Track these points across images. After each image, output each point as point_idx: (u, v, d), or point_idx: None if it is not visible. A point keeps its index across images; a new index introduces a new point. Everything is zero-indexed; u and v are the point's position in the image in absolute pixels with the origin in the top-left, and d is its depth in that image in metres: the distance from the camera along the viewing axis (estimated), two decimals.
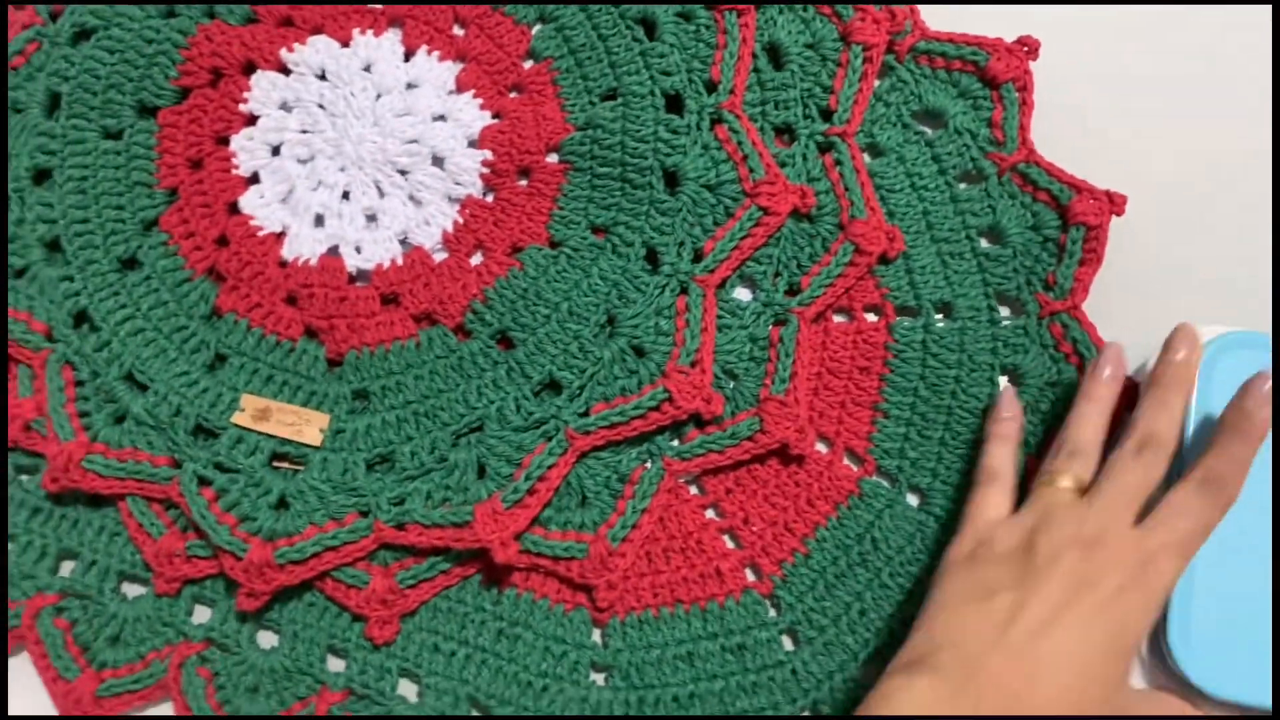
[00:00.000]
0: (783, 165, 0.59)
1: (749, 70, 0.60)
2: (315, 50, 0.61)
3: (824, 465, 0.57)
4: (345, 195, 0.60)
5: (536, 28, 0.62)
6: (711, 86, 0.60)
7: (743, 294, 0.59)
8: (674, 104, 0.60)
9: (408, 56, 0.62)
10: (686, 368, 0.55)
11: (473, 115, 0.60)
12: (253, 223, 0.59)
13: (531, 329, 0.57)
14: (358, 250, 0.59)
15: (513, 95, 0.61)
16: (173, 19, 0.61)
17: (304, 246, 0.58)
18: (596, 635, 0.56)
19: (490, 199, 0.60)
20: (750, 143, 0.58)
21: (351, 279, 0.59)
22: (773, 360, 0.57)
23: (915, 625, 0.48)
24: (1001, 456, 0.53)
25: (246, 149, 0.60)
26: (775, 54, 0.61)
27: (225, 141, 0.61)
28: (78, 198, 0.59)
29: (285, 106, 0.61)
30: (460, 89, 0.61)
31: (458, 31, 0.62)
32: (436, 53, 0.62)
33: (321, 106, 0.60)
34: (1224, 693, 0.51)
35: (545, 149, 0.59)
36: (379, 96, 0.60)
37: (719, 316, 0.58)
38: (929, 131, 0.61)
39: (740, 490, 0.57)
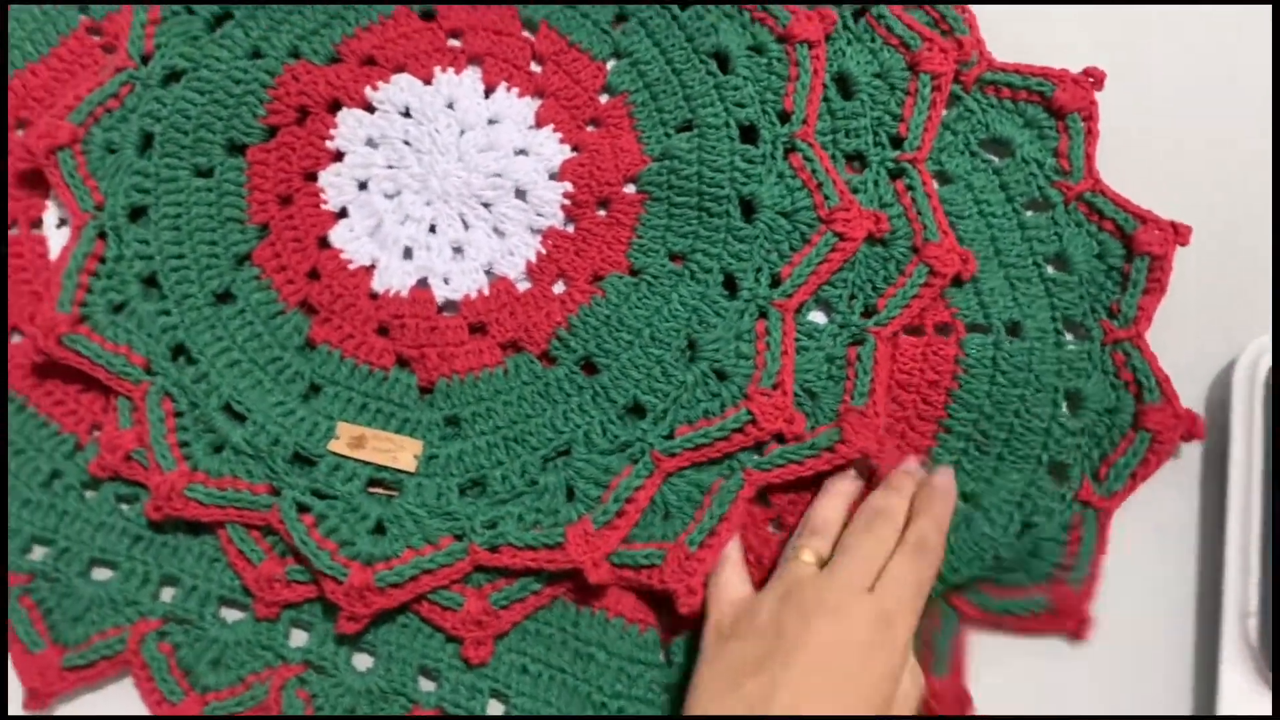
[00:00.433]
0: (855, 191, 0.61)
1: (820, 100, 0.62)
2: (399, 88, 0.63)
3: (880, 475, 0.58)
4: (432, 228, 0.61)
5: (611, 63, 0.64)
6: (785, 117, 0.62)
7: (818, 317, 0.61)
8: (748, 134, 0.62)
9: (488, 93, 0.64)
10: (769, 390, 0.57)
11: (553, 149, 0.62)
12: (343, 256, 0.61)
13: (615, 354, 0.59)
14: (446, 281, 0.60)
15: (590, 129, 0.63)
16: (259, 59, 0.63)
17: (394, 279, 0.60)
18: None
19: (571, 229, 0.61)
20: (824, 170, 0.60)
21: (440, 309, 0.60)
22: (851, 377, 0.58)
23: (685, 707, 0.51)
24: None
25: (334, 185, 0.62)
26: (845, 84, 0.63)
27: (313, 177, 0.63)
28: (172, 234, 0.61)
29: (371, 143, 0.63)
30: (540, 124, 0.63)
31: (535, 68, 0.64)
32: (516, 89, 0.63)
33: (407, 143, 0.62)
34: None
35: (623, 180, 0.61)
36: (462, 132, 0.62)
37: (796, 339, 0.59)
38: (996, 160, 0.63)
39: (803, 503, 0.58)
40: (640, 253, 0.61)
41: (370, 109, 0.63)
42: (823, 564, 0.53)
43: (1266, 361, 0.56)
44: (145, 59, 0.64)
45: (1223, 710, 0.53)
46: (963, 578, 0.56)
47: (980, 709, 0.55)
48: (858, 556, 0.52)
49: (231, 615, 0.59)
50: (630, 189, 0.61)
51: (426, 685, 0.58)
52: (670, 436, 0.57)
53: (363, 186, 0.63)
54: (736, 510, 0.56)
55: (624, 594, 0.58)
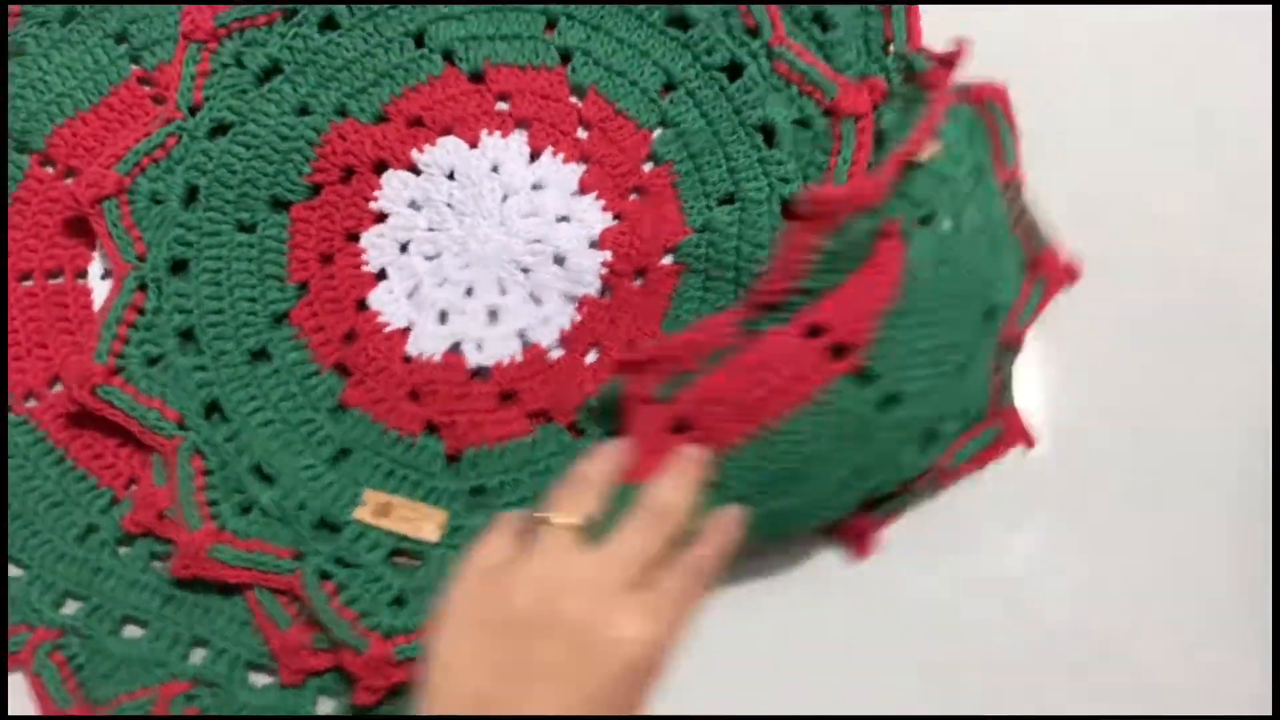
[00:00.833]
0: None
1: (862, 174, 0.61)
2: (445, 151, 0.63)
3: None
4: (469, 292, 0.61)
5: (658, 132, 0.64)
6: None
7: None
8: (791, 210, 0.61)
9: (533, 157, 0.63)
10: None
11: (595, 216, 0.61)
12: (380, 319, 0.61)
13: None
14: (479, 347, 0.60)
15: (633, 197, 0.62)
16: (306, 116, 0.64)
17: (427, 343, 0.60)
18: None
19: (607, 298, 0.61)
20: None
21: (472, 375, 0.60)
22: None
23: (432, 626, 0.45)
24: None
25: (376, 245, 0.62)
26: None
27: (355, 238, 0.62)
28: (212, 289, 0.61)
29: (414, 205, 0.63)
30: (583, 190, 0.62)
31: (582, 135, 0.64)
32: (561, 155, 0.63)
33: (450, 206, 0.62)
34: None
35: (662, 250, 0.60)
36: (506, 197, 0.62)
37: None
38: None
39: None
40: (674, 324, 0.60)
41: (416, 171, 0.63)
42: (586, 523, 0.47)
43: None
44: (194, 110, 0.64)
45: None
46: None
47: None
48: (631, 555, 0.45)
49: (261, 680, 0.58)
50: (668, 259, 0.60)
51: None
52: None
53: (404, 249, 0.62)
54: None
55: None
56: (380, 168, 0.63)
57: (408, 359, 0.60)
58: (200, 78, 0.65)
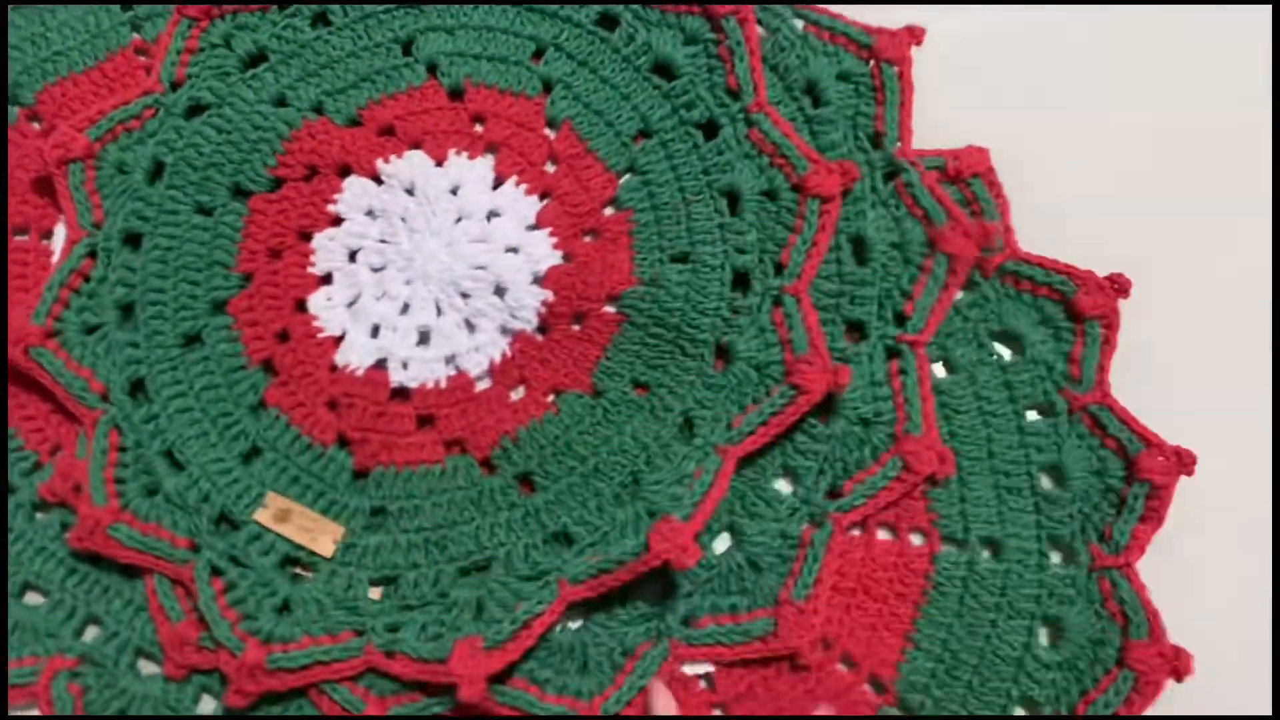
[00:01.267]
0: (847, 362, 0.58)
1: (821, 258, 0.60)
2: (409, 165, 0.62)
3: (844, 687, 0.55)
4: (405, 309, 0.61)
5: (625, 178, 0.63)
6: (781, 269, 0.59)
7: (784, 486, 0.58)
8: (741, 280, 0.60)
9: (497, 184, 0.63)
10: (678, 521, 0.54)
11: (544, 252, 0.61)
12: (315, 323, 0.61)
13: (556, 478, 0.58)
14: (404, 366, 0.60)
15: (587, 239, 0.62)
16: (282, 108, 0.63)
17: (355, 355, 0.60)
18: None
19: (542, 337, 0.60)
20: (801, 325, 0.57)
21: (394, 394, 0.59)
22: (800, 561, 0.55)
23: None
24: None
25: (326, 248, 0.62)
26: (860, 248, 0.60)
27: (308, 237, 0.62)
28: (159, 266, 0.62)
29: (370, 213, 0.62)
30: (539, 224, 0.62)
31: (549, 168, 0.63)
32: (525, 185, 0.62)
33: (404, 220, 0.62)
34: None
35: (605, 297, 0.60)
36: (459, 220, 0.61)
37: (753, 501, 0.57)
38: (1005, 355, 0.59)
39: (752, 699, 0.55)
40: (605, 375, 0.59)
41: (378, 180, 0.63)
42: None
43: None
44: (175, 86, 0.64)
45: None
46: None
47: None
48: None
49: (149, 668, 0.58)
50: (610, 309, 0.60)
51: None
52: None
53: (352, 256, 0.62)
54: (653, 680, 0.54)
55: None
56: (345, 171, 0.63)
57: (334, 368, 0.60)
58: (187, 54, 0.65)
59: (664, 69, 0.64)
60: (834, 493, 0.57)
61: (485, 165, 0.63)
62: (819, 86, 0.63)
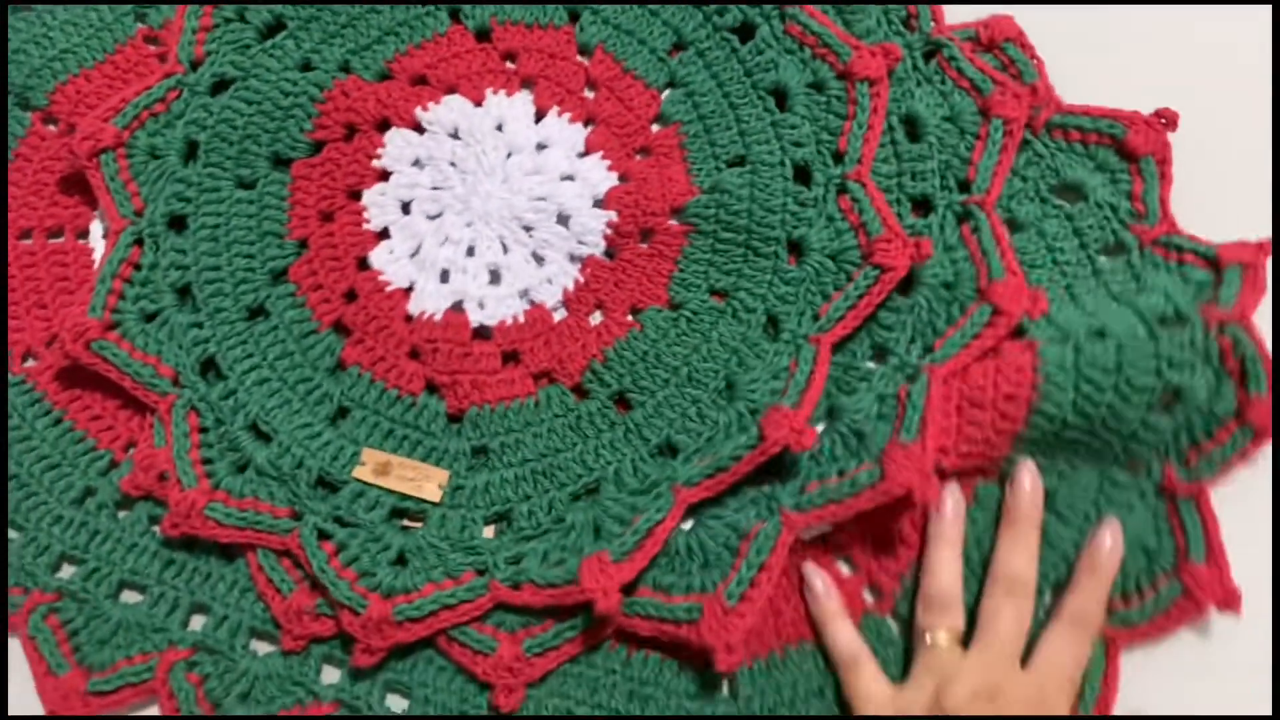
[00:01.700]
0: (919, 235, 0.58)
1: (878, 140, 0.60)
2: (449, 109, 0.62)
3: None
4: (470, 251, 0.60)
5: (666, 93, 0.62)
6: (839, 157, 0.59)
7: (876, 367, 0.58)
8: (802, 174, 0.60)
9: (539, 117, 0.62)
10: (787, 409, 0.54)
11: (600, 176, 0.60)
12: (381, 278, 0.60)
13: (650, 392, 0.57)
14: (481, 306, 0.59)
15: (640, 158, 0.61)
16: (309, 72, 0.62)
17: (429, 302, 0.59)
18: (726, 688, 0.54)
19: (612, 259, 0.60)
20: (871, 208, 0.57)
21: (474, 335, 0.59)
22: (900, 414, 0.54)
23: None
24: (846, 634, 0.54)
25: (378, 204, 0.61)
26: (913, 126, 0.60)
27: (357, 196, 0.61)
28: (210, 245, 0.60)
29: (418, 163, 0.62)
30: (589, 150, 0.61)
31: (588, 94, 0.63)
32: (567, 114, 0.62)
33: (453, 164, 0.61)
34: None
35: (669, 211, 0.59)
36: (509, 155, 0.61)
37: (846, 382, 0.57)
38: (1068, 205, 0.60)
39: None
40: (681, 287, 0.59)
41: (419, 129, 0.62)
42: (960, 638, 0.51)
43: None
44: (195, 65, 0.63)
45: None
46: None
47: None
48: (1003, 634, 0.51)
49: (264, 648, 0.57)
50: (674, 222, 0.59)
51: None
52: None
53: (406, 208, 0.61)
54: (777, 558, 0.53)
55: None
56: (383, 126, 0.62)
57: (409, 318, 0.59)
58: (202, 32, 0.63)
59: None
60: (927, 355, 0.56)
61: (525, 100, 0.62)
62: None
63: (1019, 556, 0.52)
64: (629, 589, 0.54)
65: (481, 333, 0.59)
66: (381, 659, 0.54)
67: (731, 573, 0.52)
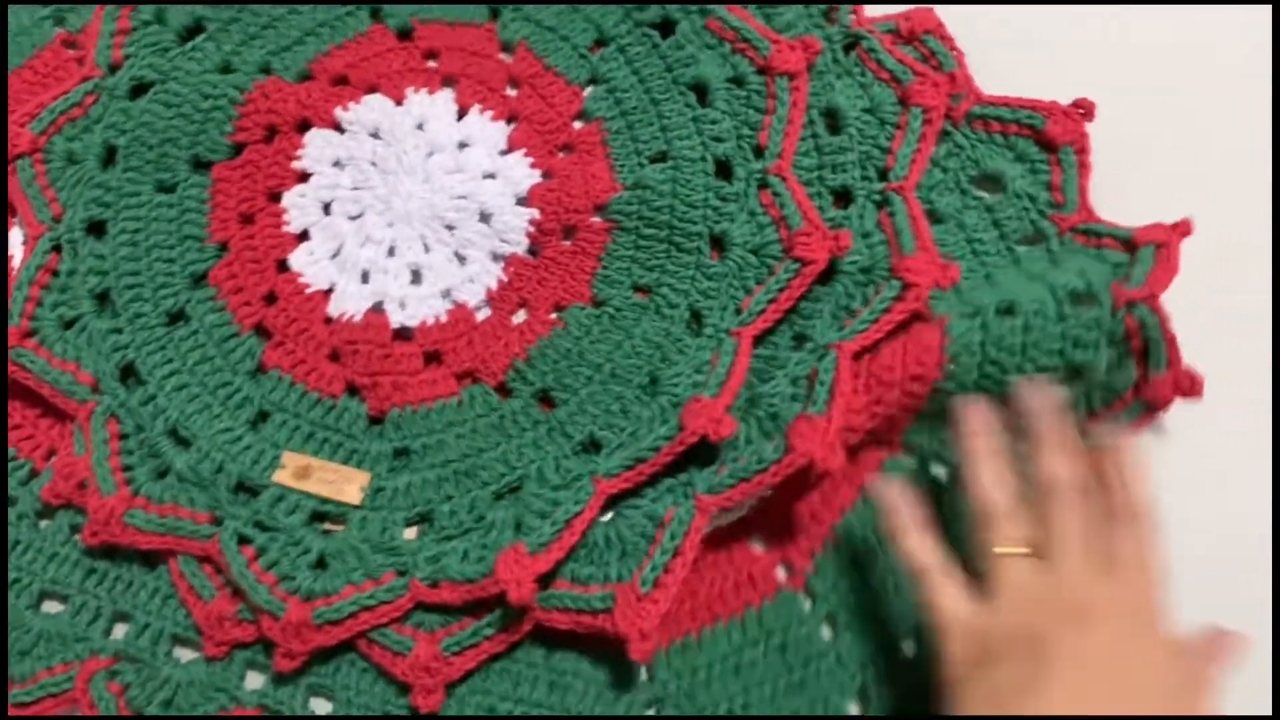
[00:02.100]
0: (839, 226, 0.58)
1: (798, 134, 0.60)
2: (369, 109, 0.61)
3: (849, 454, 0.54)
4: (391, 251, 0.59)
5: (589, 89, 0.62)
6: (760, 151, 0.59)
7: None
8: (724, 169, 0.60)
9: (461, 115, 0.62)
10: (706, 399, 0.53)
11: (522, 174, 0.60)
12: (301, 279, 0.59)
13: (573, 389, 0.57)
14: (402, 306, 0.58)
15: (562, 155, 0.61)
16: (229, 74, 0.62)
17: (349, 303, 0.58)
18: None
19: (535, 257, 0.59)
20: (792, 201, 0.57)
21: (396, 336, 0.58)
22: (809, 389, 0.53)
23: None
24: (919, 547, 0.50)
25: (298, 205, 0.61)
26: (834, 119, 0.61)
27: (277, 198, 0.61)
28: (129, 249, 0.60)
29: (338, 164, 0.61)
30: (511, 148, 0.61)
31: (511, 92, 0.63)
32: (489, 112, 0.62)
33: (374, 164, 0.61)
34: None
35: (592, 208, 0.59)
36: (430, 154, 0.61)
37: (769, 373, 0.57)
38: (988, 196, 0.60)
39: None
40: (605, 284, 0.59)
41: (340, 129, 0.62)
42: (1028, 546, 0.48)
43: None
44: (114, 69, 0.63)
45: None
46: None
47: None
48: (1078, 542, 0.47)
49: (187, 655, 0.56)
50: (597, 219, 0.59)
51: None
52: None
53: (327, 209, 0.61)
54: (691, 542, 0.53)
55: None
56: (304, 126, 0.62)
57: (329, 320, 0.59)
58: (120, 35, 0.63)
59: None
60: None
61: (446, 98, 0.62)
62: None
63: (1055, 463, 0.49)
64: (548, 582, 0.53)
65: (403, 333, 0.59)
66: (303, 663, 0.54)
67: (645, 560, 0.52)
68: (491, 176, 0.60)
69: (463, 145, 0.61)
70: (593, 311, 0.58)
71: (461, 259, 0.59)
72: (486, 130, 0.61)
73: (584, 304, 0.59)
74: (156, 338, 0.59)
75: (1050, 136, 0.59)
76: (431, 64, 0.63)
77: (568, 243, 0.59)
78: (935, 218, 0.60)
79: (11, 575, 0.57)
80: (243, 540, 0.55)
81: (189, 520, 0.55)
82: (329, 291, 0.59)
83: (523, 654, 0.54)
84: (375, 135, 0.61)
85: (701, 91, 0.61)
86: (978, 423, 0.51)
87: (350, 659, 0.55)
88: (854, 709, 0.53)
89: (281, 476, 0.56)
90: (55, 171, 0.61)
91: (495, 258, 0.59)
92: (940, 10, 0.63)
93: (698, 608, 0.54)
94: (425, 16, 0.63)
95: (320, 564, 0.55)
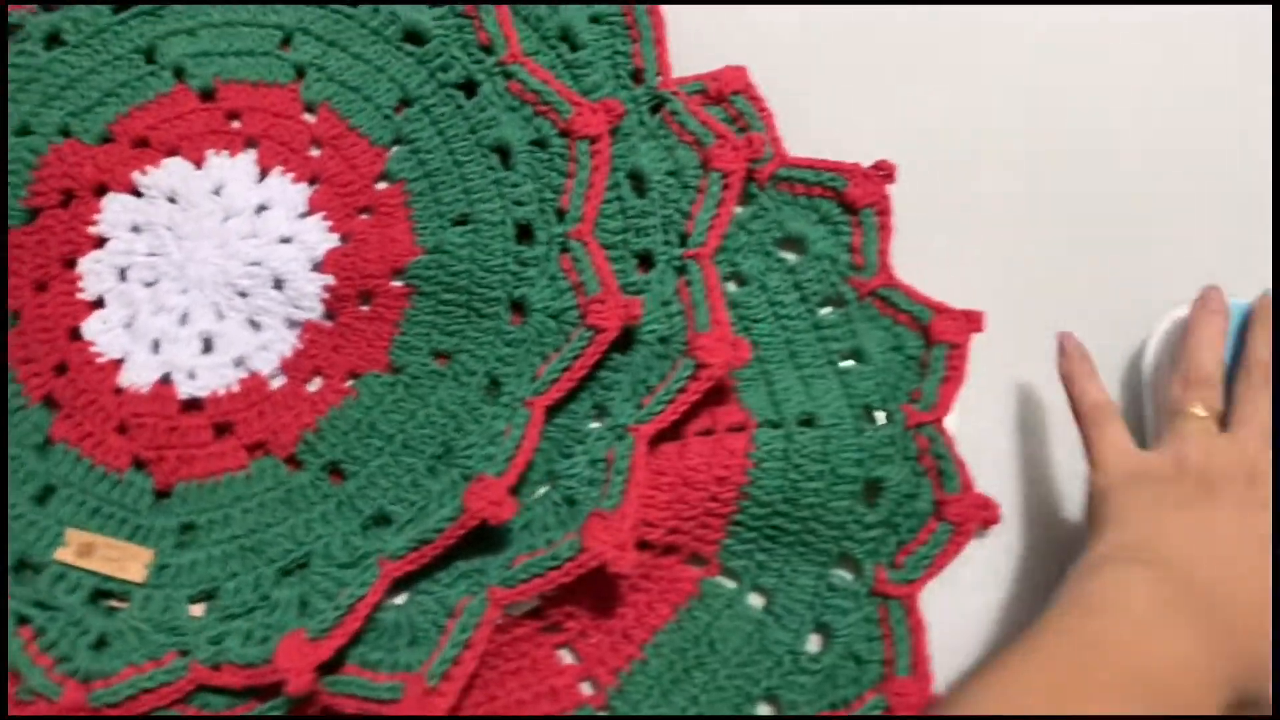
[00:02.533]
0: (641, 292, 0.58)
1: (600, 198, 0.59)
2: (167, 173, 0.60)
3: (664, 569, 0.55)
4: (184, 319, 0.58)
5: (393, 150, 0.61)
6: (563, 215, 0.59)
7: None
8: (527, 232, 0.59)
9: (262, 177, 0.61)
10: (490, 478, 0.53)
11: (318, 237, 0.59)
12: (93, 349, 0.58)
13: (363, 462, 0.56)
14: (191, 377, 0.57)
15: (364, 217, 0.60)
16: (25, 136, 0.61)
17: (138, 374, 0.57)
18: None
19: (333, 323, 0.59)
20: (590, 267, 0.57)
21: (185, 407, 0.57)
22: (606, 479, 0.54)
23: (1093, 533, 0.47)
24: (1099, 391, 0.52)
25: (94, 272, 0.60)
26: (639, 181, 0.60)
27: (73, 264, 0.60)
28: None
29: (136, 229, 0.60)
30: (312, 210, 0.60)
31: (315, 152, 0.62)
32: (291, 174, 0.61)
33: (169, 229, 0.60)
34: None
35: (390, 273, 0.58)
36: (227, 219, 0.60)
37: (568, 445, 0.56)
38: (791, 258, 0.60)
39: (577, 602, 0.54)
40: (403, 350, 0.58)
41: (138, 193, 0.60)
42: (1219, 418, 0.50)
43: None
44: None
45: None
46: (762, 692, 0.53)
47: None
48: (1265, 419, 0.49)
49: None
50: (397, 283, 0.58)
51: None
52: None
53: (123, 275, 0.60)
54: (481, 635, 0.52)
55: None
56: (102, 190, 0.61)
57: (119, 390, 0.58)
58: None
59: (414, 36, 0.63)
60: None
61: (247, 161, 0.61)
62: (573, 31, 0.63)
63: (1261, 343, 0.51)
64: (336, 665, 0.52)
65: (193, 404, 0.58)
66: None
67: (435, 651, 0.51)
68: (288, 241, 0.59)
69: (262, 209, 0.60)
70: (388, 379, 0.58)
71: (256, 326, 0.59)
72: (287, 193, 0.60)
73: (380, 371, 0.58)
74: None
75: (851, 199, 0.59)
76: (235, 125, 0.62)
77: (365, 308, 0.59)
78: (740, 280, 0.59)
79: None
80: (23, 620, 0.54)
81: None
82: (121, 361, 0.58)
83: None
84: (172, 200, 0.60)
85: (504, 154, 0.60)
86: (1216, 301, 0.53)
87: None
88: None
89: (64, 554, 0.55)
90: None
91: (291, 324, 0.59)
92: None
93: (496, 714, 0.53)
94: (228, 76, 0.62)
95: (101, 644, 0.54)
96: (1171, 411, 0.50)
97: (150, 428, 0.57)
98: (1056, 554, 0.55)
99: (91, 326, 0.59)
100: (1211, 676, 0.42)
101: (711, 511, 0.55)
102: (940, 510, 0.54)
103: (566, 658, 0.55)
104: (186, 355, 0.58)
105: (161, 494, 0.57)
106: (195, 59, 0.63)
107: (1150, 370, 0.56)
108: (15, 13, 0.63)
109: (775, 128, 0.61)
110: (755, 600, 0.55)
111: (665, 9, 0.63)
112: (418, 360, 0.58)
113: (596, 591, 0.55)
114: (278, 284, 0.58)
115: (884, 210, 0.59)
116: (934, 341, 0.57)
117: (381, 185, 0.61)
